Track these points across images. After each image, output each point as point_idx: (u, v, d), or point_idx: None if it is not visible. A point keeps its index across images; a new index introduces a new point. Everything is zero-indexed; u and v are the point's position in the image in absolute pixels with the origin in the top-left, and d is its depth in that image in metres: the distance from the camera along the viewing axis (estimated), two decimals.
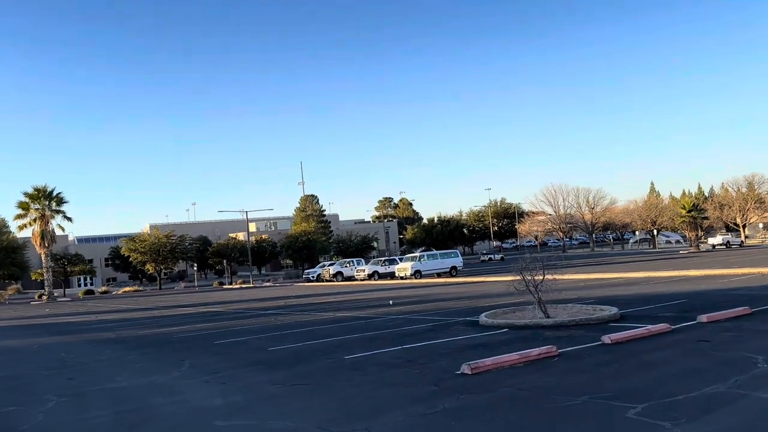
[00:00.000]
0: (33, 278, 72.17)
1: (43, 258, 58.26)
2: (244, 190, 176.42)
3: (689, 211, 70.79)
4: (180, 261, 78.44)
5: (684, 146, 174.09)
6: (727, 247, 69.95)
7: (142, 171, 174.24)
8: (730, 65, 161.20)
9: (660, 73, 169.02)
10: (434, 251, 59.42)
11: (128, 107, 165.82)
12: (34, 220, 56.15)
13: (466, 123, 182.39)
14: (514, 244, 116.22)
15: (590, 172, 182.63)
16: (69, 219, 58.15)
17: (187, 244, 76.79)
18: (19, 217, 56.90)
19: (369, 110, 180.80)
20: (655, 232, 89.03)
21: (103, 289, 73.82)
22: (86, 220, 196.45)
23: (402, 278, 48.48)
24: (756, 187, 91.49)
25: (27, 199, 56.26)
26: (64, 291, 71.27)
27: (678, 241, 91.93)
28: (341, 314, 22.14)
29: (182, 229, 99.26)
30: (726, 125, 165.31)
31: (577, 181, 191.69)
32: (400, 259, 52.52)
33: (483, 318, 15.69)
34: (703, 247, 69.98)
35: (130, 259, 74.80)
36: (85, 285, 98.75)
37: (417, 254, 51.89)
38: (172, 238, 74.83)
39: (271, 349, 13.97)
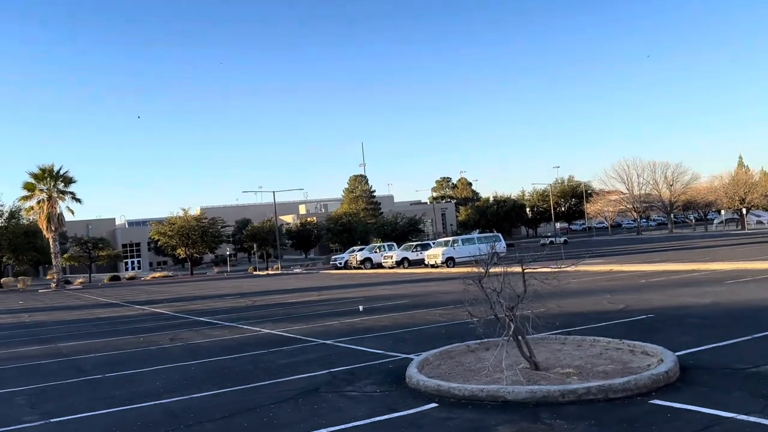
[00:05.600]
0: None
1: (51, 243, 54.12)
2: (307, 172, 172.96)
3: None
4: (221, 245, 73.61)
5: None
6: None
7: (219, 154, 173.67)
8: None
9: (748, 38, 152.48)
10: (472, 235, 51.64)
11: (199, 84, 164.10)
12: (40, 203, 51.93)
13: (534, 97, 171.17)
14: (584, 226, 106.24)
15: (669, 147, 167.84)
16: (78, 200, 53.91)
17: (219, 227, 71.80)
18: (24, 198, 52.90)
19: (431, 88, 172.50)
20: (744, 211, 77.63)
21: (131, 275, 69.90)
22: (169, 203, 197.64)
23: (433, 266, 41.32)
24: None
25: (32, 180, 52.10)
26: (90, 277, 67.64)
27: None
28: (268, 331, 15.39)
29: (234, 212, 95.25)
30: None
31: (654, 156, 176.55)
32: (433, 244, 45.19)
33: (412, 371, 8.40)
34: None
35: (159, 243, 70.77)
36: (133, 269, 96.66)
37: (450, 239, 44.27)
38: (202, 220, 70.11)
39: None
